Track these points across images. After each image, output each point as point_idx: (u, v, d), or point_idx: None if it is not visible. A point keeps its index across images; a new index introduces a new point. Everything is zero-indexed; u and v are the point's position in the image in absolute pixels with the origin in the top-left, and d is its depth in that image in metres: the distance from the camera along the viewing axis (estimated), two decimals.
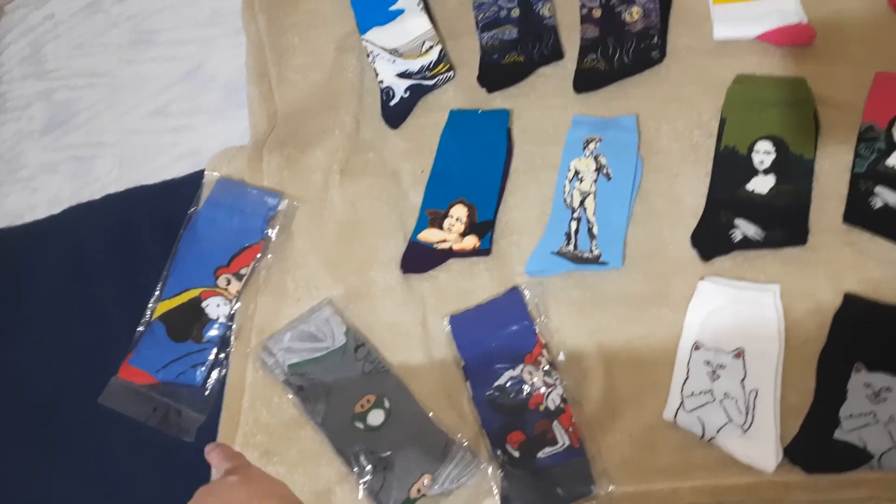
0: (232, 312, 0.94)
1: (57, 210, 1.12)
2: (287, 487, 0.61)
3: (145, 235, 1.02)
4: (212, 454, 0.65)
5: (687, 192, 0.90)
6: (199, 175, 1.04)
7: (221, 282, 0.94)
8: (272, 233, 0.97)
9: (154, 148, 1.13)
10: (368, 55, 1.06)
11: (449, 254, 0.93)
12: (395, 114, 1.04)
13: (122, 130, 1.17)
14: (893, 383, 0.74)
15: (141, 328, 0.94)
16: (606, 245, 0.88)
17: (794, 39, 0.92)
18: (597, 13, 1.00)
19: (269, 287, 0.95)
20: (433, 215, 0.96)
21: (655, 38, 0.96)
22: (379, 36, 1.06)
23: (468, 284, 0.92)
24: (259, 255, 0.96)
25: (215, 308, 0.93)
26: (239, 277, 0.95)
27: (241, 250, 0.96)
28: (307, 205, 1.00)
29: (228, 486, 0.58)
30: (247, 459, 0.64)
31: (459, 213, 0.95)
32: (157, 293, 0.96)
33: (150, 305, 0.95)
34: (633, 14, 0.98)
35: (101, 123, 1.18)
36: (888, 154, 0.83)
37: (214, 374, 0.91)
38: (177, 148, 1.12)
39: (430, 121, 1.02)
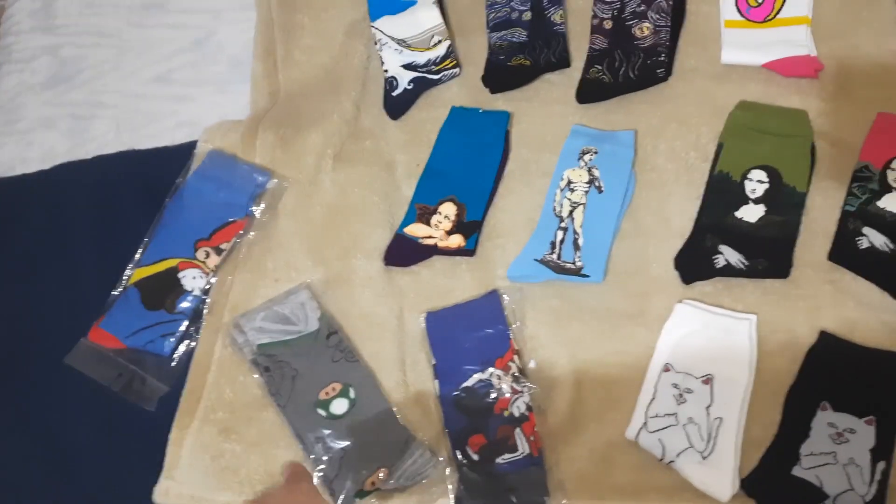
0: (207, 286, 0.93)
1: (49, 166, 1.11)
2: None
3: (131, 200, 1.01)
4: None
5: (676, 212, 0.89)
6: (192, 145, 1.04)
7: (200, 254, 0.94)
8: (257, 210, 0.97)
9: (153, 114, 1.13)
10: (376, 43, 1.05)
11: (433, 250, 0.93)
12: (397, 104, 1.03)
13: (123, 93, 1.16)
14: (857, 426, 0.74)
15: (115, 292, 0.94)
16: (590, 258, 0.88)
17: (800, 71, 0.92)
18: (608, 24, 0.99)
19: (248, 265, 0.95)
20: (422, 210, 0.96)
21: (663, 56, 0.95)
22: (389, 25, 1.05)
23: (449, 283, 0.92)
24: (242, 232, 0.95)
25: (191, 280, 0.93)
26: (218, 252, 0.94)
27: (223, 225, 0.95)
28: (296, 186, 0.99)
29: None
30: None
31: (448, 210, 0.95)
32: (135, 259, 0.95)
33: (126, 271, 0.95)
34: (644, 30, 0.97)
35: (104, 84, 1.17)
36: (880, 195, 0.83)
37: (183, 347, 0.91)
38: (176, 116, 1.12)
39: (430, 115, 1.02)
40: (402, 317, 0.91)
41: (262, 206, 0.97)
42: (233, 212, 0.95)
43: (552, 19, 1.02)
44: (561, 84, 1.00)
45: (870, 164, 0.84)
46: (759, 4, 0.96)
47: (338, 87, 1.06)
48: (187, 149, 1.03)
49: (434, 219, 0.95)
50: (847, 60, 0.92)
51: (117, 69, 1.18)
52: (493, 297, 0.89)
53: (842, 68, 0.92)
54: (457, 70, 1.03)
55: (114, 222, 1.01)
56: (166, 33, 1.19)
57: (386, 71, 1.04)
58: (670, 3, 0.98)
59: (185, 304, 0.92)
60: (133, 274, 0.93)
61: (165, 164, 1.02)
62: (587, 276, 0.87)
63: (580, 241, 0.89)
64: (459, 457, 0.82)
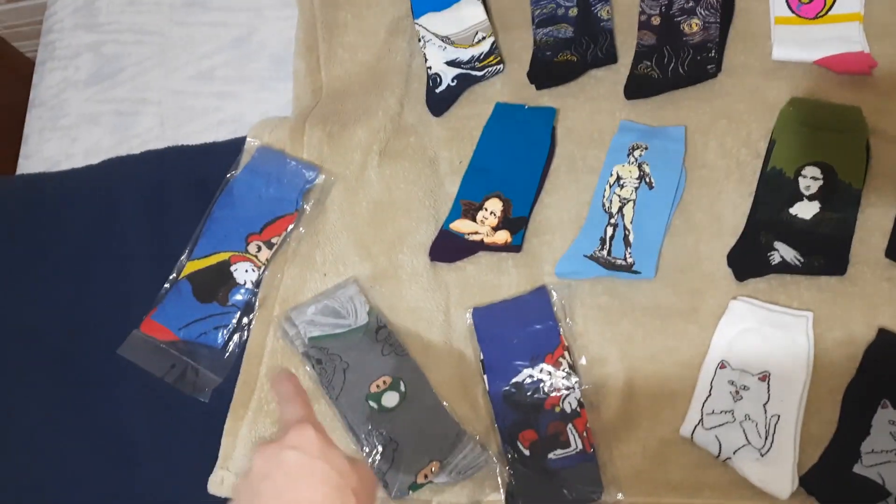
0: (259, 279, 0.94)
1: (94, 161, 1.12)
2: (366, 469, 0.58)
3: (179, 195, 1.02)
4: (280, 384, 0.61)
5: (728, 209, 0.89)
6: (238, 141, 1.04)
7: (252, 248, 0.94)
8: (307, 205, 0.97)
9: (196, 110, 1.14)
10: (420, 40, 1.05)
11: (479, 246, 0.93)
12: (440, 101, 1.03)
13: (166, 89, 1.17)
14: None
15: (167, 285, 0.94)
16: (641, 254, 0.88)
17: (853, 67, 0.91)
18: (656, 21, 0.99)
19: (298, 259, 0.95)
20: (467, 206, 0.96)
21: (713, 52, 0.95)
22: (432, 21, 1.05)
23: (495, 279, 0.92)
24: (291, 227, 0.96)
25: (243, 273, 0.93)
26: (269, 246, 0.95)
27: (274, 219, 0.95)
28: (343, 182, 0.99)
29: (289, 470, 0.54)
30: (310, 405, 0.60)
31: (494, 206, 0.95)
32: (186, 252, 0.96)
33: (178, 264, 0.95)
34: (693, 25, 0.97)
35: (147, 81, 1.18)
36: None
37: (235, 339, 0.91)
38: (218, 113, 1.12)
39: (474, 111, 1.02)
40: (448, 312, 0.91)
41: (312, 201, 0.97)
42: (283, 206, 0.96)
43: (599, 15, 1.01)
44: (608, 80, 0.99)
45: None
46: (811, 1, 0.95)
47: (381, 84, 1.06)
48: (234, 145, 1.04)
49: (479, 215, 0.95)
50: None
51: (160, 66, 1.19)
52: (541, 293, 0.88)
53: (895, 65, 0.91)
54: (500, 66, 1.03)
55: (163, 217, 1.02)
56: (208, 31, 1.20)
57: (429, 67, 1.04)
58: None
59: (237, 297, 0.92)
60: (185, 267, 0.94)
61: (213, 160, 1.03)
62: (638, 273, 0.86)
63: (631, 238, 0.89)
64: (510, 452, 0.81)
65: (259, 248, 0.94)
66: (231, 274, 0.93)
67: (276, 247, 0.95)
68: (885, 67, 0.91)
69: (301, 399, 0.60)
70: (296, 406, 0.59)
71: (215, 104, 1.13)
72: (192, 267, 0.94)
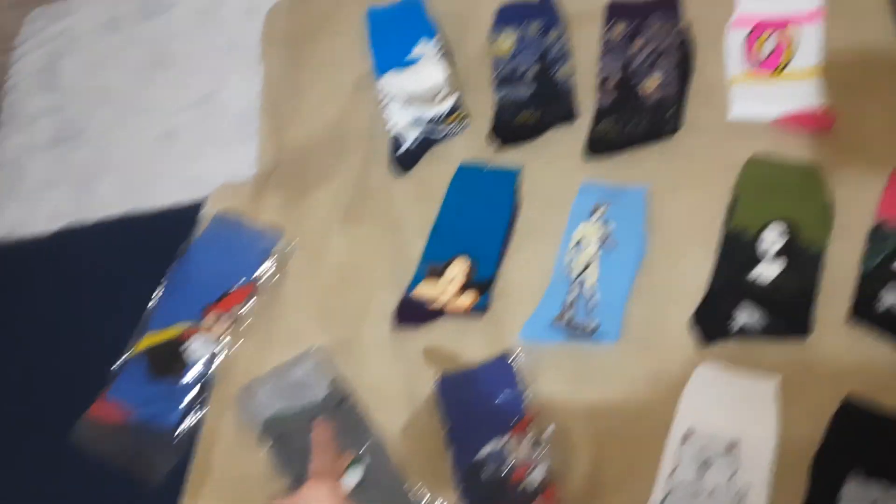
0: (215, 353, 0.92)
1: (55, 226, 1.10)
2: None
3: (136, 265, 1.01)
4: (316, 432, 0.67)
5: (691, 270, 0.87)
6: (199, 205, 1.03)
7: (209, 320, 0.92)
8: (266, 274, 0.96)
9: (159, 173, 1.13)
10: (382, 99, 1.05)
11: (443, 312, 0.91)
12: (404, 161, 1.02)
13: (128, 152, 1.16)
14: (888, 495, 0.71)
15: (122, 360, 0.92)
16: (605, 317, 0.86)
17: (812, 124, 0.90)
18: (615, 79, 0.99)
19: (256, 330, 0.93)
20: (432, 269, 0.94)
21: (671, 111, 0.95)
22: (395, 81, 1.05)
23: (461, 344, 0.90)
24: (250, 296, 0.94)
25: (199, 347, 0.91)
26: (226, 318, 0.93)
27: (231, 289, 0.94)
28: (305, 247, 0.98)
29: None
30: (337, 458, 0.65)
31: (459, 269, 0.93)
32: (142, 325, 0.94)
33: (133, 338, 0.93)
34: (652, 84, 0.97)
35: (109, 143, 1.18)
36: None
37: (190, 418, 0.89)
38: (182, 174, 1.11)
39: (437, 170, 1.01)
40: (413, 382, 0.89)
41: (270, 269, 0.96)
42: (240, 276, 0.94)
43: (559, 74, 1.01)
44: (568, 139, 0.98)
45: (887, 221, 0.83)
46: (767, 58, 0.95)
47: (345, 145, 1.06)
48: (193, 209, 1.03)
49: (444, 279, 0.93)
50: (860, 115, 0.90)
51: (122, 128, 1.19)
52: (506, 360, 0.87)
53: (855, 123, 0.90)
54: (464, 124, 1.03)
55: (120, 288, 1.00)
56: (171, 91, 1.20)
57: (392, 127, 1.03)
58: (678, 57, 0.97)
59: (192, 373, 0.90)
60: (140, 341, 0.92)
61: (171, 227, 1.01)
62: (602, 337, 0.85)
63: (594, 300, 0.87)
64: None
65: (216, 320, 0.92)
66: (186, 348, 0.91)
67: (233, 318, 0.93)
68: (845, 124, 0.90)
69: (326, 452, 0.64)
70: (319, 458, 0.63)
71: (178, 166, 1.12)
72: (147, 341, 0.92)
